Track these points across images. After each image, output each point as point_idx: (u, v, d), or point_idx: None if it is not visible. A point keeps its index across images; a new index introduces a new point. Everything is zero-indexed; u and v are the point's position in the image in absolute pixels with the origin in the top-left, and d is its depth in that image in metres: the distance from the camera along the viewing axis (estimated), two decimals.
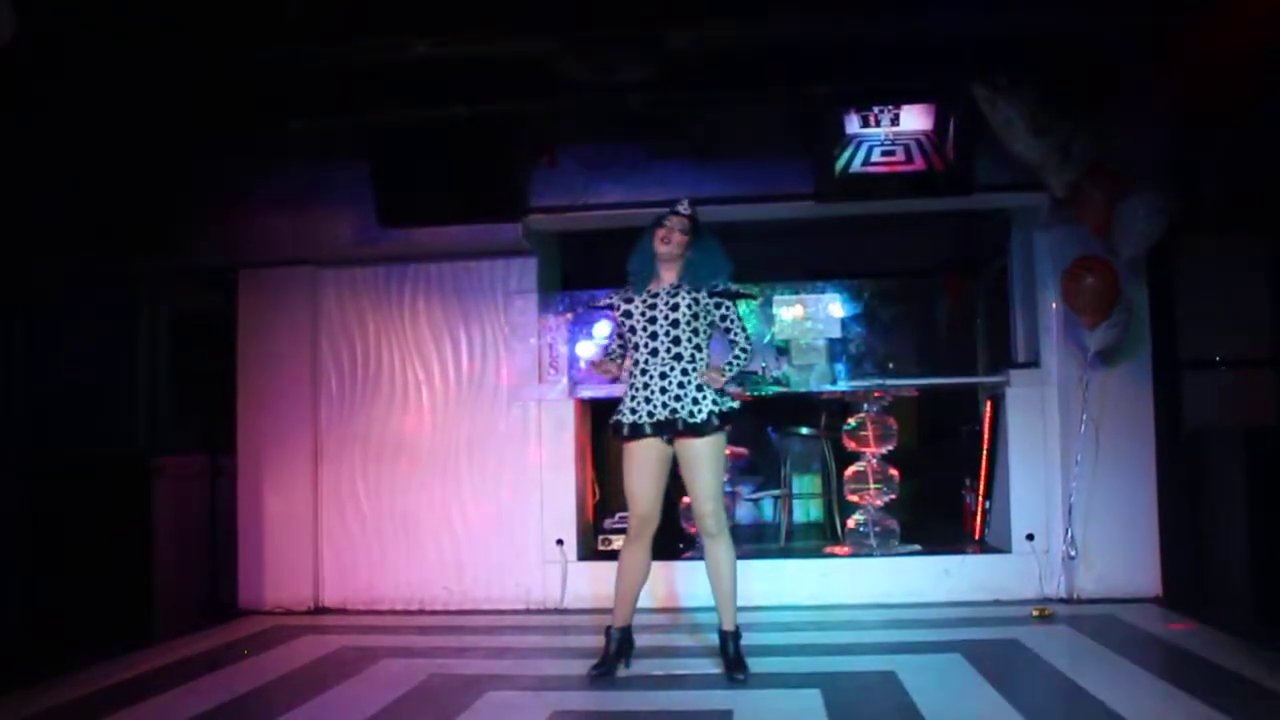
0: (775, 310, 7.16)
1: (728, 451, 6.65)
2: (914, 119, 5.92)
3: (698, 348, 4.53)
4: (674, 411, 4.44)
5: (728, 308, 4.59)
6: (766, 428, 7.65)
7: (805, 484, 8.09)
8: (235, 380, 6.76)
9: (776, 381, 6.87)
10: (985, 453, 6.84)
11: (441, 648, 5.42)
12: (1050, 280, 6.25)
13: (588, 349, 6.72)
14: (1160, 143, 5.80)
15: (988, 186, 6.07)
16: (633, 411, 4.52)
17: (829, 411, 7.25)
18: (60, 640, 5.42)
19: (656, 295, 4.57)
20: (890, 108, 5.90)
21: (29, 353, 6.08)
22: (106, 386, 6.83)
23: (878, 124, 5.91)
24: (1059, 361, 6.21)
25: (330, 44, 5.24)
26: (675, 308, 4.51)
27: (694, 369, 4.50)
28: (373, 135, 6.17)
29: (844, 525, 6.80)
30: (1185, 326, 6.06)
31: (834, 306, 7.09)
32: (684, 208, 4.64)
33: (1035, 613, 5.67)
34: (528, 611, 6.39)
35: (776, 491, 7.52)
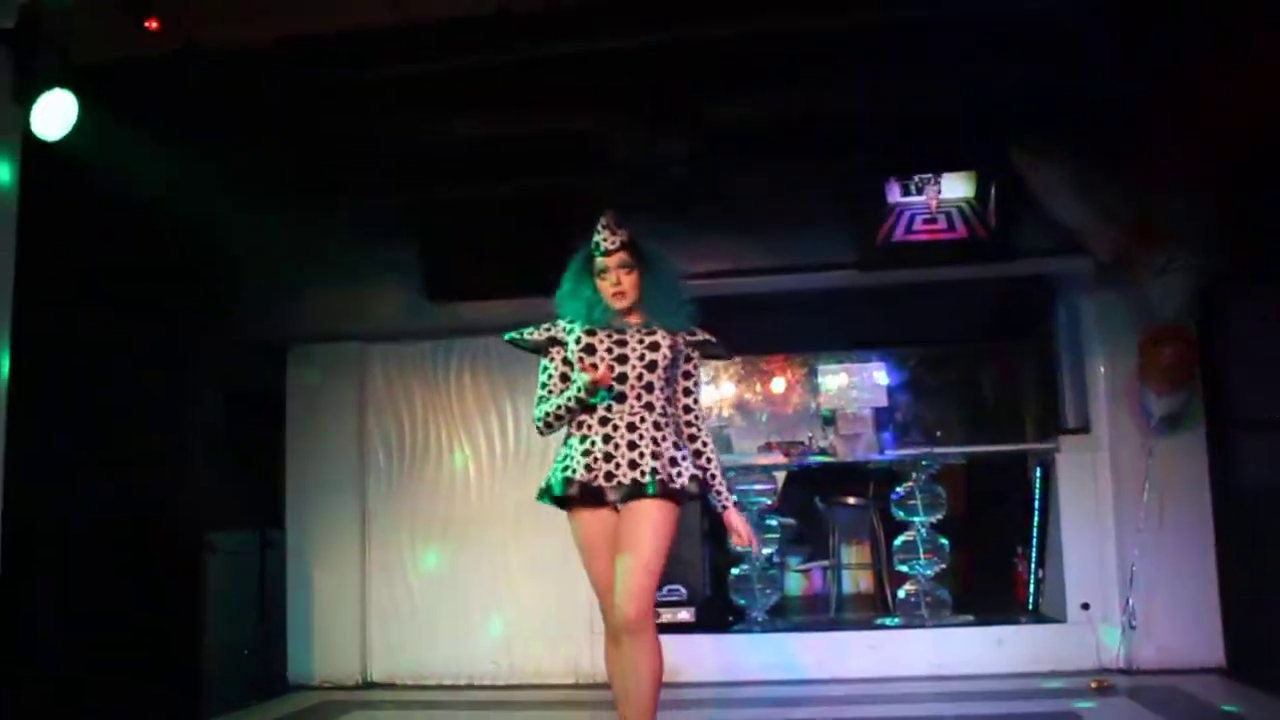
0: (821, 380, 7.14)
1: (774, 522, 6.65)
2: (955, 186, 5.95)
3: (669, 400, 3.69)
4: (643, 474, 3.53)
5: (696, 365, 3.82)
6: (814, 497, 7.58)
7: (854, 554, 8.00)
8: (284, 455, 6.83)
9: (822, 451, 6.83)
10: (1037, 520, 6.73)
11: None
12: (1098, 345, 6.21)
13: None
14: (1207, 200, 5.77)
15: (1031, 251, 6.05)
16: (588, 470, 3.60)
17: (876, 480, 7.19)
18: (105, 718, 5.43)
19: (624, 332, 3.68)
20: (931, 175, 5.94)
21: (76, 425, 6.19)
22: (156, 461, 6.92)
23: (919, 192, 5.95)
24: (1110, 427, 6.14)
25: (373, 122, 5.37)
26: (654, 347, 3.63)
27: (665, 423, 3.64)
28: (419, 212, 6.29)
29: (894, 595, 6.70)
30: (1238, 385, 5.97)
31: (879, 375, 7.05)
32: (610, 243, 3.69)
33: (1093, 684, 5.53)
34: (576, 686, 6.32)
35: (825, 562, 7.43)
